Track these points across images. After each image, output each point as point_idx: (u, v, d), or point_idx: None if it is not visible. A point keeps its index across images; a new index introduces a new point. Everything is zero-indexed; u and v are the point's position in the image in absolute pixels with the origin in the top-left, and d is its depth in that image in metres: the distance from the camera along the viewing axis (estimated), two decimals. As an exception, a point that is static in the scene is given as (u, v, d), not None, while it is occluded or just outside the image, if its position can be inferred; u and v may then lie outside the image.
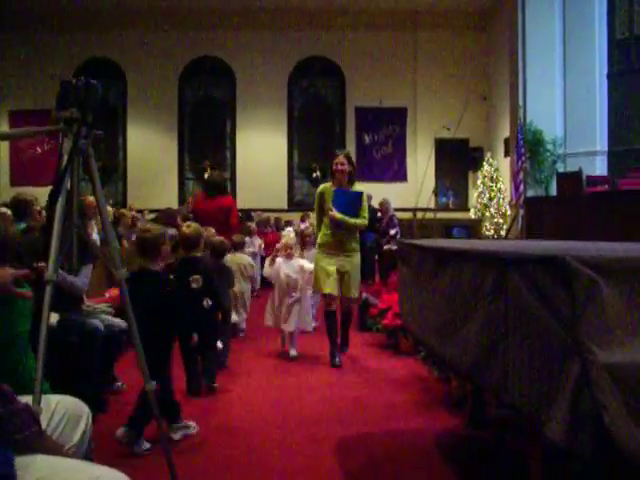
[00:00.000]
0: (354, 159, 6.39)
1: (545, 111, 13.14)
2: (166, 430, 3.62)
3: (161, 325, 3.82)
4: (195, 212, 7.76)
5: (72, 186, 2.59)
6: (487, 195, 15.43)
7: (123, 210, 11.35)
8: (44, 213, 5.46)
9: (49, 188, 2.53)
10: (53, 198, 2.50)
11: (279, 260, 6.50)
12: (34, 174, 16.35)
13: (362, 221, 6.13)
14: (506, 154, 15.39)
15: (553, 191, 12.27)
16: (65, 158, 2.52)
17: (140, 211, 13.73)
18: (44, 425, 1.99)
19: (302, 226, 9.97)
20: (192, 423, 4.10)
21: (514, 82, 13.89)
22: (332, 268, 6.02)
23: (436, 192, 15.58)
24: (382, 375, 5.72)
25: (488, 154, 16.28)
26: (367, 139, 18.05)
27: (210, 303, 4.73)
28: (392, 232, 11.15)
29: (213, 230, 6.35)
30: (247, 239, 10.46)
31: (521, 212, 11.53)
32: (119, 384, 5.03)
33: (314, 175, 17.78)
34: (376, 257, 11.06)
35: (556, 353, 1.94)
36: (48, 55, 17.16)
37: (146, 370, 2.85)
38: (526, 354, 2.09)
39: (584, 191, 8.70)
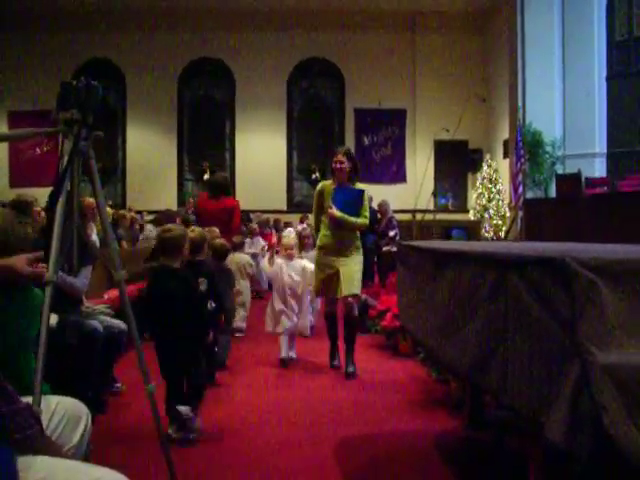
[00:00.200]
0: None
1: (544, 113, 13.16)
2: (166, 430, 3.63)
3: (185, 318, 4.03)
4: (198, 212, 7.76)
5: (72, 187, 2.60)
6: (486, 197, 15.44)
7: (122, 211, 11.35)
8: (43, 214, 5.47)
9: (49, 189, 2.54)
10: (53, 199, 2.50)
11: (279, 261, 6.29)
12: (33, 175, 16.35)
13: (363, 220, 5.79)
14: (505, 156, 15.41)
15: (552, 193, 12.29)
16: (65, 159, 2.52)
17: (139, 212, 13.73)
18: (44, 426, 1.99)
19: (300, 227, 9.98)
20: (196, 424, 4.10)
21: (513, 84, 13.92)
22: (332, 271, 5.73)
23: (435, 194, 15.64)
24: (381, 376, 5.72)
25: (487, 156, 16.31)
26: (366, 140, 18.08)
27: (214, 305, 4.76)
28: (391, 234, 11.16)
29: (217, 231, 6.36)
30: (248, 240, 10.55)
31: (520, 214, 11.55)
32: (118, 385, 5.03)
33: (313, 176, 17.79)
34: (375, 259, 11.07)
35: (555, 354, 1.94)
36: (47, 56, 17.18)
37: (146, 371, 2.84)
38: (525, 355, 2.09)
39: (583, 193, 8.73)
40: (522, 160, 12.26)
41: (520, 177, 12.20)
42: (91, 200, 5.38)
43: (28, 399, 2.10)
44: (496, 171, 15.64)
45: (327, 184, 5.94)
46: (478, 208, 15.52)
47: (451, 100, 17.05)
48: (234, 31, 17.65)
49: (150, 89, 17.73)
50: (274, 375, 5.79)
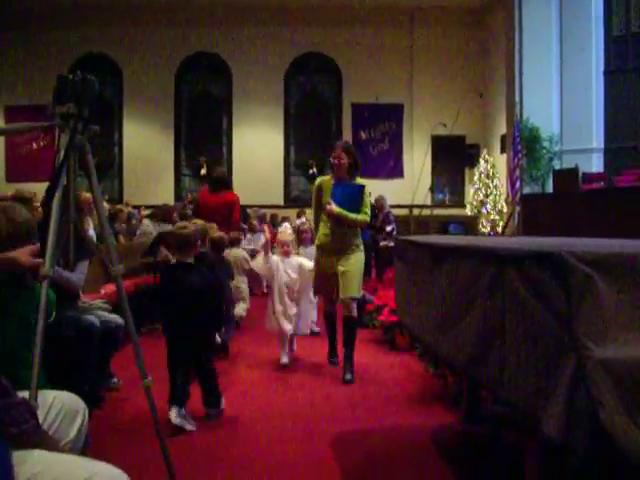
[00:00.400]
0: None
1: (542, 108, 13.15)
2: (161, 429, 3.63)
3: (202, 309, 4.26)
4: (199, 207, 7.84)
5: (68, 182, 2.59)
6: (483, 192, 15.44)
7: (119, 206, 11.33)
8: (40, 209, 5.46)
9: (45, 184, 2.54)
10: (50, 194, 2.50)
11: (276, 258, 5.98)
12: (30, 170, 16.31)
13: (363, 217, 5.50)
14: (502, 151, 15.41)
15: (549, 188, 12.29)
16: (62, 153, 2.52)
17: (137, 207, 13.70)
18: (40, 420, 1.99)
19: (298, 222, 9.97)
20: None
21: (511, 79, 13.90)
22: (332, 271, 5.48)
23: (432, 189, 15.66)
24: (378, 371, 5.72)
25: (484, 151, 16.30)
26: (363, 135, 18.04)
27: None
28: (388, 229, 11.17)
29: (215, 226, 6.48)
30: (250, 236, 10.58)
31: (517, 209, 11.55)
32: (115, 380, 5.03)
33: (310, 171, 17.76)
34: (372, 254, 11.07)
35: (552, 349, 1.94)
36: (44, 51, 17.10)
37: (143, 365, 2.84)
38: (522, 350, 2.09)
39: (580, 188, 8.72)
40: (519, 155, 12.25)
41: (517, 172, 12.20)
42: (88, 195, 5.38)
43: (26, 394, 2.10)
44: (493, 166, 15.64)
45: (326, 179, 5.70)
46: (475, 203, 15.53)
47: (448, 95, 17.05)
48: (232, 26, 17.60)
49: (147, 84, 17.68)
50: (271, 370, 5.80)
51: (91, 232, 6.80)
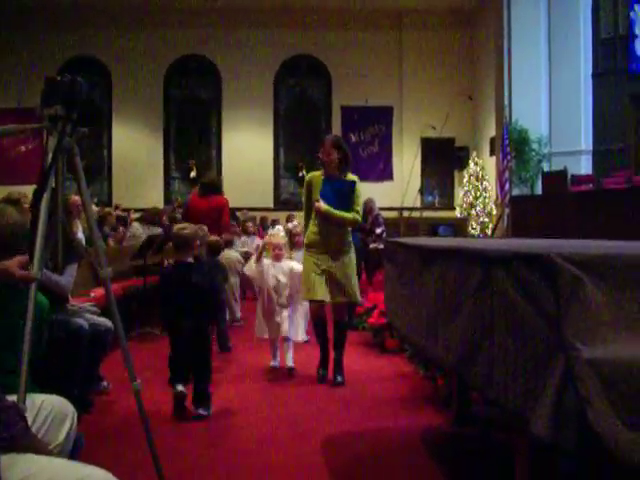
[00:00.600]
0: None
1: (530, 110, 13.21)
2: (152, 428, 3.61)
3: (202, 305, 4.47)
4: (188, 211, 7.89)
5: (57, 184, 2.58)
6: (473, 194, 15.48)
7: (108, 209, 11.30)
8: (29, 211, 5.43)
9: (34, 186, 2.52)
10: (38, 196, 2.48)
11: (266, 262, 5.73)
12: (18, 173, 16.21)
13: (354, 216, 5.20)
14: (492, 153, 15.46)
15: (538, 190, 12.35)
16: (50, 156, 2.50)
17: (127, 210, 13.66)
18: (29, 423, 1.98)
19: (290, 225, 9.96)
20: None
21: (499, 81, 13.96)
22: (320, 271, 5.19)
23: (422, 191, 15.64)
24: (368, 373, 5.72)
25: (474, 153, 16.35)
26: (353, 138, 18.04)
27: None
28: (378, 231, 11.16)
29: (206, 228, 6.47)
30: (244, 238, 10.64)
31: (507, 211, 11.58)
32: (104, 384, 5.00)
33: (300, 174, 17.75)
34: (363, 258, 11.05)
35: (541, 350, 1.95)
36: (32, 53, 17.02)
37: (132, 369, 2.83)
38: (511, 351, 2.10)
39: (569, 190, 8.78)
40: (508, 157, 12.29)
41: (506, 174, 12.23)
42: (76, 198, 5.36)
43: (14, 397, 2.09)
44: (482, 168, 15.69)
45: (316, 175, 5.39)
46: (465, 205, 15.56)
47: (438, 97, 17.08)
48: (221, 29, 17.57)
49: (136, 86, 17.62)
50: (261, 373, 5.78)
51: (80, 235, 6.77)
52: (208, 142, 18.47)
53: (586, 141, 12.95)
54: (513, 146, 12.66)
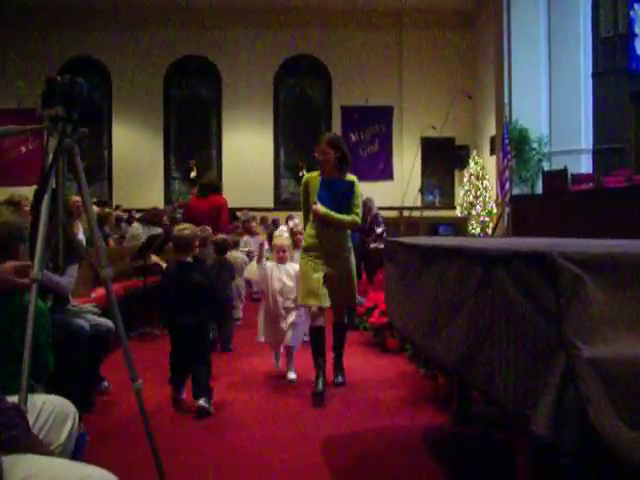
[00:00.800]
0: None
1: (530, 109, 13.20)
2: (152, 429, 3.61)
3: (205, 303, 4.61)
4: (188, 211, 8.01)
5: (57, 185, 2.58)
6: (473, 193, 15.48)
7: (108, 209, 11.30)
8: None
9: (34, 187, 2.53)
10: (38, 197, 2.49)
11: (270, 265, 5.53)
12: (18, 174, 16.20)
13: (353, 218, 4.95)
14: (492, 152, 15.45)
15: (539, 189, 12.33)
16: (50, 156, 2.51)
17: (128, 211, 13.66)
18: (30, 424, 1.99)
19: (291, 223, 9.94)
20: None
21: (500, 80, 13.95)
22: (319, 275, 4.92)
23: (422, 190, 15.63)
24: (369, 373, 5.72)
25: (474, 152, 16.35)
26: (353, 138, 18.04)
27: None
28: (379, 230, 11.15)
29: (210, 229, 6.73)
30: (247, 238, 10.69)
31: (507, 210, 11.58)
32: (105, 384, 5.01)
33: (300, 173, 17.73)
34: (362, 257, 11.04)
35: (541, 349, 1.95)
36: (32, 54, 17.02)
37: (133, 369, 2.83)
38: (512, 350, 2.10)
39: (569, 189, 8.77)
40: (509, 157, 12.28)
41: (507, 173, 12.22)
42: (77, 198, 5.36)
43: (15, 398, 2.10)
44: (483, 168, 15.69)
45: (313, 176, 5.11)
46: (465, 205, 15.56)
47: (438, 97, 17.06)
48: (220, 28, 17.56)
49: (136, 87, 17.62)
50: (262, 374, 5.78)
51: (80, 236, 6.77)
52: (208, 142, 18.47)
53: (586, 140, 12.93)
54: (513, 145, 12.66)
